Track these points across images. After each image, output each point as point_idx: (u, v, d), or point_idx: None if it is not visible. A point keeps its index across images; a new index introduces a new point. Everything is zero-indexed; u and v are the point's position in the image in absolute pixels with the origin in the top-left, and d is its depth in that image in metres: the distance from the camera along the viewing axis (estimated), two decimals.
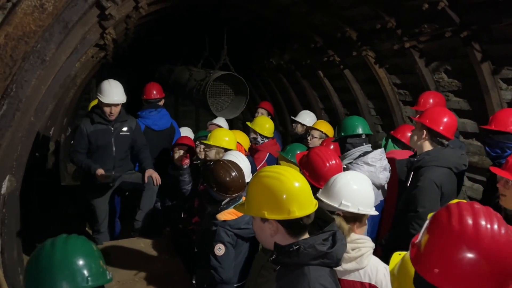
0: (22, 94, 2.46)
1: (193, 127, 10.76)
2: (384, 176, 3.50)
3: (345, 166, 3.44)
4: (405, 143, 3.96)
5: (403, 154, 3.73)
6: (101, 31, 3.84)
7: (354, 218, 2.24)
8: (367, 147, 3.68)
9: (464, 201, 1.38)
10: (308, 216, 1.70)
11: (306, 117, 5.71)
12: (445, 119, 3.04)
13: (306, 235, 1.74)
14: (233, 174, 2.96)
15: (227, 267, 2.84)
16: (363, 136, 3.69)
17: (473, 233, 1.19)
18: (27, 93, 2.52)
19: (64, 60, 3.25)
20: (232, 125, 10.44)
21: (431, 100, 4.04)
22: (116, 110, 4.22)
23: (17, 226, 4.17)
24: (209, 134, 4.19)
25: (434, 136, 3.05)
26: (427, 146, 3.08)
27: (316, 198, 2.52)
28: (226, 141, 4.03)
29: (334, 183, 2.30)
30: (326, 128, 4.87)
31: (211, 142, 4.02)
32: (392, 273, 1.63)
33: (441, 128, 3.01)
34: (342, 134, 3.75)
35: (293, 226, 1.69)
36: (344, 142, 3.73)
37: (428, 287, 1.23)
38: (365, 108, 6.33)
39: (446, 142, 3.06)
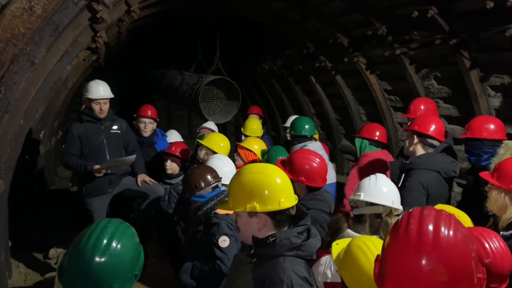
0: (11, 97, 2.45)
1: (185, 131, 10.76)
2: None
3: None
4: (377, 141, 3.99)
5: (377, 155, 3.89)
6: (92, 34, 3.84)
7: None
8: (308, 142, 4.20)
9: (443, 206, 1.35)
10: (293, 207, 1.79)
11: None
12: (433, 124, 3.24)
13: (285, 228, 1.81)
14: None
15: (232, 258, 2.85)
16: (308, 136, 4.28)
17: (417, 239, 1.15)
18: (16, 96, 2.51)
19: (55, 63, 3.24)
20: (225, 130, 10.45)
21: (422, 107, 4.05)
22: (105, 107, 4.22)
23: (5, 230, 4.13)
24: (206, 136, 4.24)
25: (425, 139, 3.22)
26: (419, 151, 3.24)
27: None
28: (220, 146, 4.08)
29: (380, 184, 2.28)
30: None
31: (203, 142, 4.12)
32: (337, 262, 1.67)
33: (430, 131, 3.20)
34: (293, 132, 4.35)
35: (281, 216, 1.76)
36: (293, 139, 4.34)
37: None
38: (356, 113, 6.37)
39: (437, 144, 3.23)
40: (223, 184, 3.21)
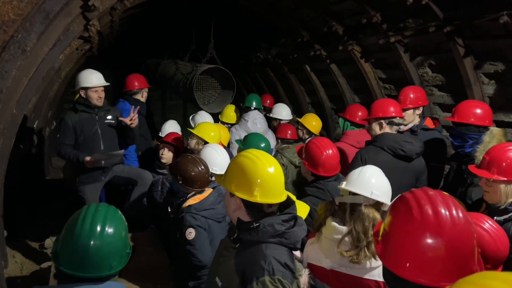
0: (2, 85, 2.43)
1: (180, 121, 10.67)
2: (259, 126, 5.30)
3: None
4: (355, 122, 4.28)
5: (358, 134, 4.18)
6: (85, 22, 3.81)
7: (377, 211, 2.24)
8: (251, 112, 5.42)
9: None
10: (269, 205, 1.78)
11: (282, 111, 5.72)
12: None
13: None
14: (200, 168, 3.06)
15: (202, 248, 2.85)
16: (253, 108, 5.52)
17: (436, 221, 1.22)
18: (8, 84, 2.49)
19: (47, 52, 3.21)
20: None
21: (411, 95, 4.03)
22: (103, 95, 4.24)
23: (0, 220, 4.13)
24: (197, 124, 4.21)
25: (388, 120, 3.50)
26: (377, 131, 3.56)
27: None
28: (211, 136, 4.05)
29: (363, 175, 2.29)
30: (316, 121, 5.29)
31: (195, 131, 4.06)
32: None
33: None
34: (242, 105, 5.67)
35: (253, 208, 1.78)
36: (245, 111, 5.58)
37: (400, 281, 1.23)
38: (351, 102, 6.36)
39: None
40: (215, 174, 3.19)
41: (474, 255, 1.22)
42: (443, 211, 1.23)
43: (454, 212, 1.24)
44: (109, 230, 1.60)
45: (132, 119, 4.30)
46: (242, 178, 1.77)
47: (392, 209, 1.34)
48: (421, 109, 3.83)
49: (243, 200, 1.76)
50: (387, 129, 3.38)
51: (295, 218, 1.81)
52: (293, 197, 2.68)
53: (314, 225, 2.31)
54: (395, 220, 1.30)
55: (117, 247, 1.62)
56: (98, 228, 1.58)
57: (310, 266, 2.21)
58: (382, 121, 3.38)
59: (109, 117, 4.36)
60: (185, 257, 2.92)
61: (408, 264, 1.22)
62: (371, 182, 2.24)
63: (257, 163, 1.78)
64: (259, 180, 1.75)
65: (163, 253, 3.86)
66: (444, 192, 1.34)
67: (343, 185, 2.32)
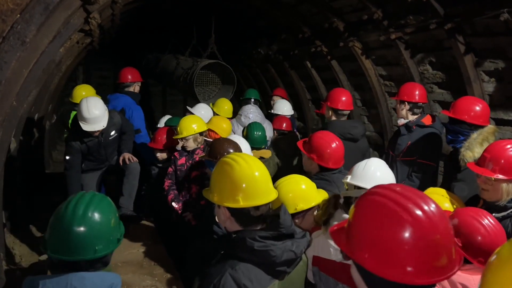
0: (1, 76, 2.43)
1: (181, 116, 10.70)
2: (251, 116, 5.56)
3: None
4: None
5: None
6: (85, 15, 3.80)
7: None
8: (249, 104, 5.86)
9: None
10: (257, 208, 1.65)
11: (283, 107, 5.78)
12: (344, 98, 4.23)
13: (258, 227, 1.68)
14: (236, 148, 3.30)
15: None
16: (252, 100, 6.04)
17: (424, 219, 1.14)
18: (7, 75, 2.48)
19: (47, 44, 3.21)
20: None
21: (417, 92, 4.02)
22: (100, 130, 4.18)
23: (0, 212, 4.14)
24: (178, 128, 4.08)
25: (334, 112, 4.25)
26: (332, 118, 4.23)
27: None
28: (195, 128, 4.02)
29: (368, 168, 2.27)
30: None
31: (184, 134, 3.98)
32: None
33: (339, 105, 4.16)
34: (241, 98, 6.25)
35: (240, 215, 1.66)
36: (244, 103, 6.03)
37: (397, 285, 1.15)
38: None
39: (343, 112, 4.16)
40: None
41: (453, 242, 1.20)
42: (426, 207, 1.16)
43: (432, 205, 1.17)
44: (92, 213, 1.65)
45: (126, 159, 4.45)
46: (222, 186, 1.67)
47: (366, 211, 1.21)
48: (406, 104, 3.80)
49: (229, 209, 1.65)
50: (333, 117, 4.14)
51: (282, 237, 1.63)
52: (313, 186, 2.50)
53: (320, 218, 2.28)
54: (379, 224, 1.18)
55: (101, 230, 1.65)
56: (81, 212, 1.63)
57: (317, 259, 2.19)
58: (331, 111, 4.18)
59: (112, 132, 4.40)
60: (207, 233, 3.04)
61: (409, 269, 1.13)
62: (376, 176, 2.23)
63: (235, 167, 1.66)
64: (239, 185, 1.64)
65: (161, 247, 3.87)
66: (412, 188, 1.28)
67: (348, 179, 2.30)
